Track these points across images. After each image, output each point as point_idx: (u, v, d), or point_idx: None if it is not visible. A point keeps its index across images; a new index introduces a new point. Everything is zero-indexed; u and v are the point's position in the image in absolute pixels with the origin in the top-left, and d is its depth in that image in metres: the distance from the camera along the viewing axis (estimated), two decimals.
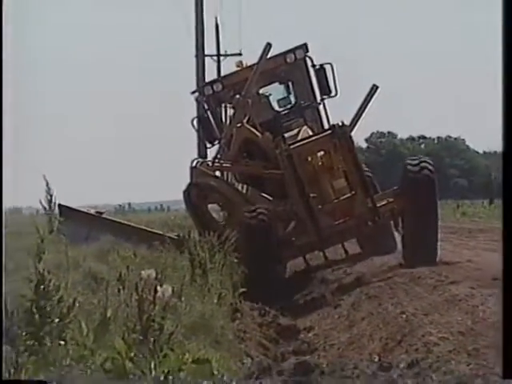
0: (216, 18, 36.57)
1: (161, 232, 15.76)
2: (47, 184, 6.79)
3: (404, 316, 10.30)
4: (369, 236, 15.07)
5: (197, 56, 35.07)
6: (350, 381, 7.53)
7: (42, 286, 6.16)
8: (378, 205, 13.80)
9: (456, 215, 42.28)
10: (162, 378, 5.97)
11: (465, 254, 16.28)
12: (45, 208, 6.96)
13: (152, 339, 6.67)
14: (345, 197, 13.84)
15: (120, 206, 79.74)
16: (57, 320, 6.11)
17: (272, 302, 12.12)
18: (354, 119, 14.09)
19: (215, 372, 6.72)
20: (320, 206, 13.70)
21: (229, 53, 42.27)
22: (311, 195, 13.58)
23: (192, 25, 34.60)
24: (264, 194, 14.63)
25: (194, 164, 14.88)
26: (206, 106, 16.49)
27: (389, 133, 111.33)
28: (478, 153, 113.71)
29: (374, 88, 14.01)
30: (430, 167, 13.75)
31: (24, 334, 5.92)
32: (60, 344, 5.98)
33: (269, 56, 14.45)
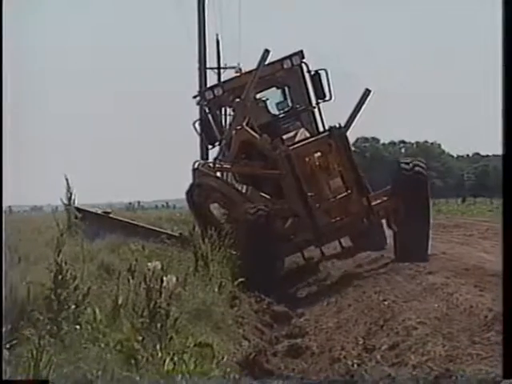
0: (217, 35, 36.70)
1: (163, 230, 15.47)
2: (67, 183, 6.79)
3: (386, 303, 10.32)
4: (361, 232, 14.49)
5: (199, 68, 35.35)
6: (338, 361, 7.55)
7: (60, 276, 6.17)
8: (373, 203, 13.35)
9: (432, 212, 42.18)
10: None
11: (440, 247, 16.30)
12: (65, 205, 6.97)
13: (158, 324, 6.68)
14: (341, 196, 13.43)
15: (130, 203, 79.59)
16: (73, 306, 6.13)
17: (269, 294, 11.78)
18: (348, 121, 13.51)
19: (216, 354, 6.73)
20: (317, 205, 13.24)
21: (228, 65, 42.72)
22: (309, 194, 13.16)
23: (195, 41, 34.72)
24: (263, 194, 14.09)
25: (196, 165, 14.35)
26: (207, 110, 16.06)
27: (372, 138, 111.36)
28: (452, 156, 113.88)
29: (367, 92, 13.47)
30: (423, 167, 13.40)
31: (44, 318, 5.93)
32: (76, 328, 5.99)
33: (267, 62, 14.04)
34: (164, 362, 5.99)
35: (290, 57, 15.48)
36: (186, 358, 6.20)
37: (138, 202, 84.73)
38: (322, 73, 15.41)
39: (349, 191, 13.36)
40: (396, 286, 11.07)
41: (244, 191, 14.34)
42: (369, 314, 9.53)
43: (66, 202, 6.98)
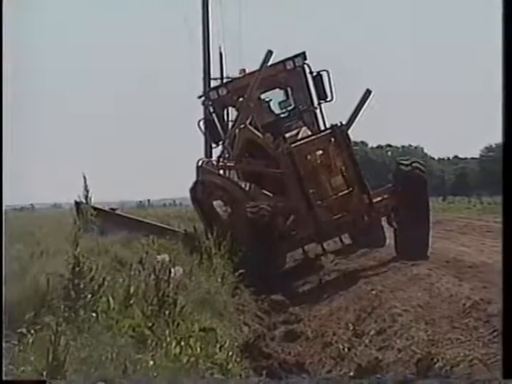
0: (220, 47, 36.56)
1: (168, 226, 15.03)
2: (85, 182, 6.78)
3: (374, 292, 10.33)
4: (361, 230, 13.52)
5: (204, 79, 35.28)
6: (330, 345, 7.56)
7: (77, 268, 6.17)
8: (374, 201, 12.45)
9: None
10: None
11: None
12: (82, 202, 6.96)
13: (167, 311, 6.68)
14: (342, 193, 12.45)
15: (141, 202, 79.60)
16: (89, 295, 6.12)
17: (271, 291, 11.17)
18: (349, 120, 12.67)
19: (219, 338, 6.73)
20: (319, 202, 12.31)
21: (230, 75, 42.65)
22: (310, 191, 12.26)
23: (200, 53, 34.61)
24: (265, 191, 13.14)
25: (200, 163, 13.77)
26: (211, 109, 15.12)
27: (361, 142, 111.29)
28: (433, 159, 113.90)
29: (368, 92, 12.69)
30: (422, 167, 12.66)
31: (63, 306, 5.93)
32: (92, 315, 5.99)
33: (270, 64, 13.24)
34: (172, 345, 5.99)
35: (292, 58, 14.73)
36: (191, 342, 6.20)
37: (148, 201, 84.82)
38: (324, 74, 14.65)
39: (350, 189, 12.48)
40: (383, 276, 11.08)
41: (246, 189, 13.56)
42: (358, 302, 9.54)
43: (83, 200, 6.95)
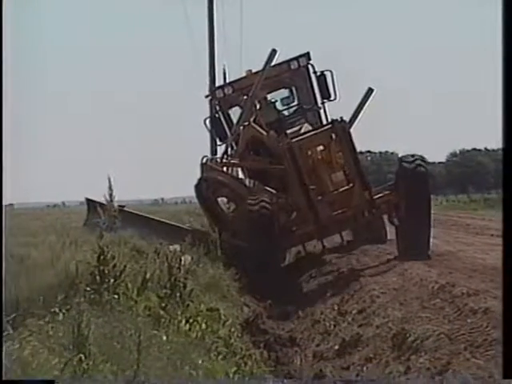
0: (224, 65, 36.19)
1: (174, 223, 13.61)
2: (109, 182, 6.76)
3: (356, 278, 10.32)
4: (362, 226, 12.07)
5: (208, 96, 35.12)
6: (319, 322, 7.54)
7: (101, 256, 6.16)
8: (375, 197, 10.90)
9: None
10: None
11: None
12: (107, 201, 6.94)
13: (178, 294, 6.66)
14: (343, 189, 10.91)
15: (156, 200, 79.63)
16: (112, 280, 6.11)
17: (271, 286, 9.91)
18: (351, 118, 11.23)
19: (222, 317, 6.72)
20: (319, 198, 10.77)
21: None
22: (311, 187, 10.76)
23: (206, 71, 34.17)
24: (268, 188, 11.62)
25: (204, 161, 12.24)
26: (217, 108, 13.67)
27: None
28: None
29: (370, 90, 11.28)
30: (424, 164, 10.87)
31: (89, 289, 5.92)
32: (114, 297, 5.97)
33: (275, 64, 11.85)
34: (182, 323, 5.98)
35: (296, 58, 13.21)
36: (199, 319, 6.19)
37: (162, 199, 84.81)
38: (327, 74, 13.16)
39: (351, 184, 10.93)
40: (364, 264, 11.06)
41: (250, 185, 12.32)
42: (342, 285, 9.52)
43: (108, 198, 6.94)
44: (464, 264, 9.33)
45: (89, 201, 12.37)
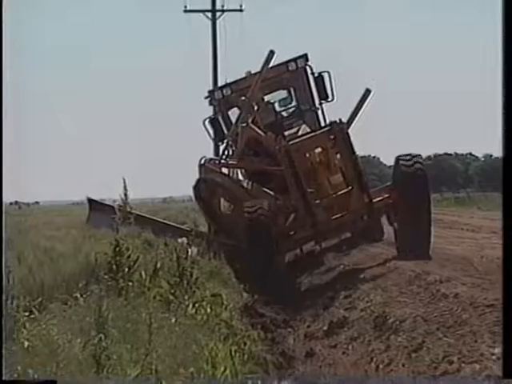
0: (226, 79, 35.79)
1: (173, 223, 12.65)
2: (124, 183, 6.75)
3: (342, 266, 10.35)
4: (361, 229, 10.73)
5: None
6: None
7: (117, 248, 6.16)
8: (374, 200, 9.67)
9: None
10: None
11: None
12: (122, 200, 6.93)
13: (185, 281, 6.67)
14: (342, 192, 9.72)
15: (165, 198, 79.43)
16: (126, 269, 6.11)
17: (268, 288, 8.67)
18: (349, 119, 9.92)
19: (225, 302, 6.72)
20: (317, 201, 9.60)
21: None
22: (309, 190, 9.61)
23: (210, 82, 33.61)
24: (266, 189, 10.47)
25: (202, 162, 11.13)
26: (216, 109, 12.45)
27: None
28: (385, 165, 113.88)
29: (367, 92, 9.87)
30: (422, 163, 9.72)
31: (106, 277, 5.93)
32: (128, 284, 5.98)
33: (273, 65, 10.77)
34: (189, 307, 5.99)
35: (295, 59, 11.98)
36: (204, 304, 6.20)
37: (170, 197, 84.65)
38: (325, 75, 11.89)
39: (349, 187, 9.71)
40: (349, 255, 11.07)
41: (248, 187, 11.09)
42: (331, 275, 9.53)
43: (123, 198, 6.93)
44: (437, 254, 9.33)
45: (90, 200, 12.21)
